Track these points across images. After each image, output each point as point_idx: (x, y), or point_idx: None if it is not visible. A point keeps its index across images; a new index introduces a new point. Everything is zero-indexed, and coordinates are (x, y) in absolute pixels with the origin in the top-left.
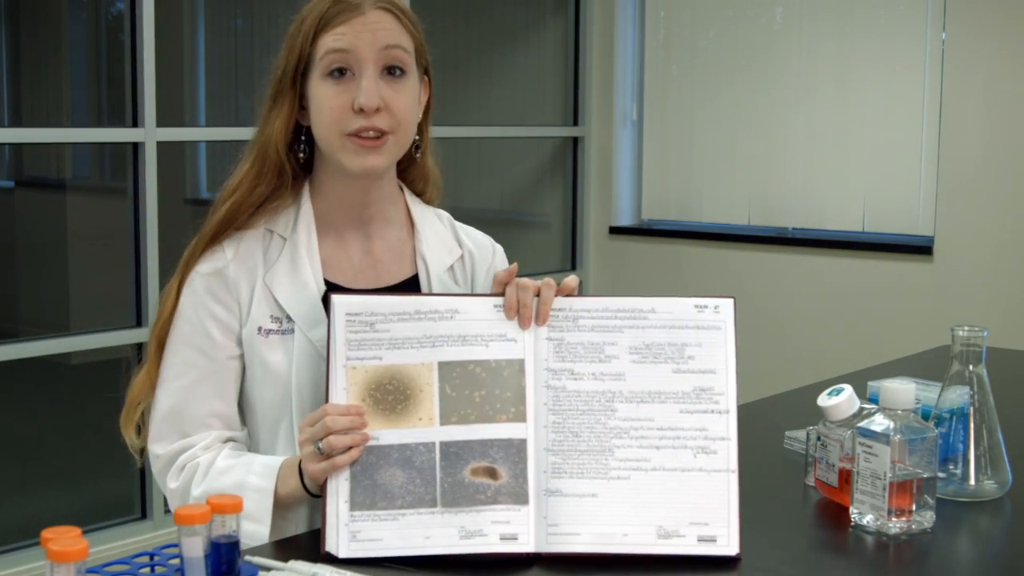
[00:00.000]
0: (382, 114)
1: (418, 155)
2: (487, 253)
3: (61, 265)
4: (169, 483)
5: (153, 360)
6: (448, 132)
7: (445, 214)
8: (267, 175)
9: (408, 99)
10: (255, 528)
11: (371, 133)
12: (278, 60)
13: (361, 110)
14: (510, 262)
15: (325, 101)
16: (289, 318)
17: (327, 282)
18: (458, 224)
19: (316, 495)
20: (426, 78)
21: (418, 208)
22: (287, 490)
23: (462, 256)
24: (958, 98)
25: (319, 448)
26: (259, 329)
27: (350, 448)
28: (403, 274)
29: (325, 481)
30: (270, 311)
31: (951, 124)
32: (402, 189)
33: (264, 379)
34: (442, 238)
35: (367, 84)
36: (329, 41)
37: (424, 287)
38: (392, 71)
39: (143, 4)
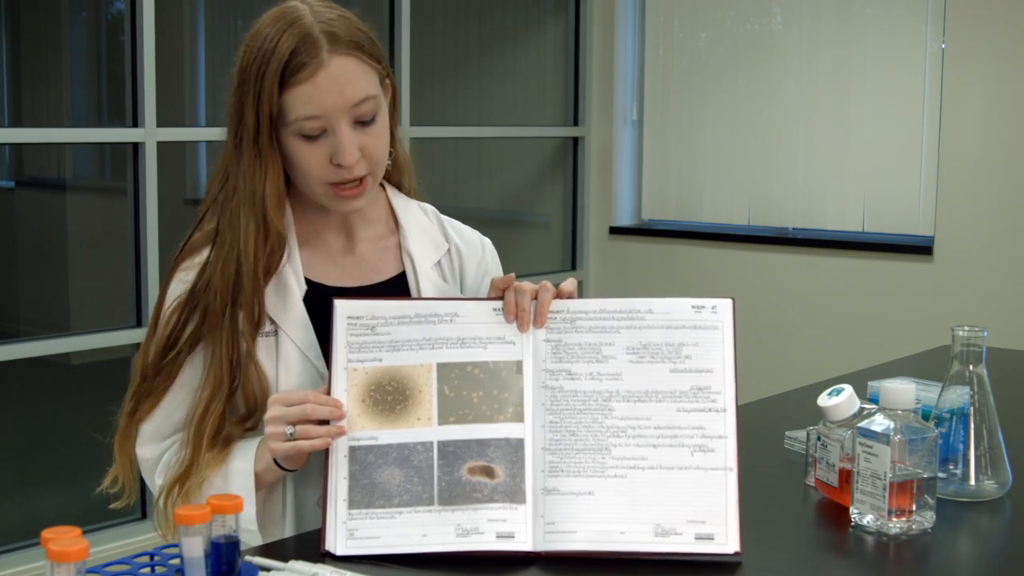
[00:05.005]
0: (360, 162)
1: (390, 160)
2: (476, 249)
3: (61, 265)
4: (156, 480)
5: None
6: (448, 132)
7: (430, 207)
8: (270, 237)
9: (381, 140)
10: (244, 511)
11: (352, 183)
12: (240, 103)
13: (340, 165)
14: (511, 263)
15: (303, 159)
16: (272, 321)
17: (309, 282)
18: (445, 218)
19: (287, 470)
20: (388, 82)
21: (401, 203)
22: (261, 466)
23: (449, 250)
24: (958, 98)
25: (290, 432)
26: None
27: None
28: (389, 272)
29: (325, 477)
30: None
31: (951, 124)
32: (383, 186)
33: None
34: (428, 232)
35: (344, 143)
36: (298, 106)
37: (411, 284)
38: (364, 122)
39: (143, 4)
